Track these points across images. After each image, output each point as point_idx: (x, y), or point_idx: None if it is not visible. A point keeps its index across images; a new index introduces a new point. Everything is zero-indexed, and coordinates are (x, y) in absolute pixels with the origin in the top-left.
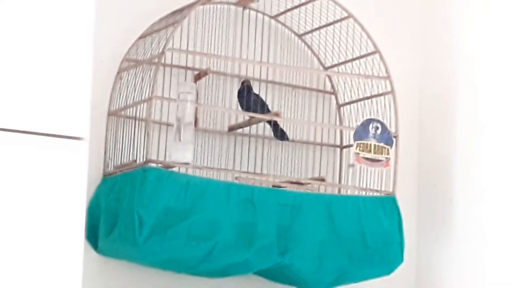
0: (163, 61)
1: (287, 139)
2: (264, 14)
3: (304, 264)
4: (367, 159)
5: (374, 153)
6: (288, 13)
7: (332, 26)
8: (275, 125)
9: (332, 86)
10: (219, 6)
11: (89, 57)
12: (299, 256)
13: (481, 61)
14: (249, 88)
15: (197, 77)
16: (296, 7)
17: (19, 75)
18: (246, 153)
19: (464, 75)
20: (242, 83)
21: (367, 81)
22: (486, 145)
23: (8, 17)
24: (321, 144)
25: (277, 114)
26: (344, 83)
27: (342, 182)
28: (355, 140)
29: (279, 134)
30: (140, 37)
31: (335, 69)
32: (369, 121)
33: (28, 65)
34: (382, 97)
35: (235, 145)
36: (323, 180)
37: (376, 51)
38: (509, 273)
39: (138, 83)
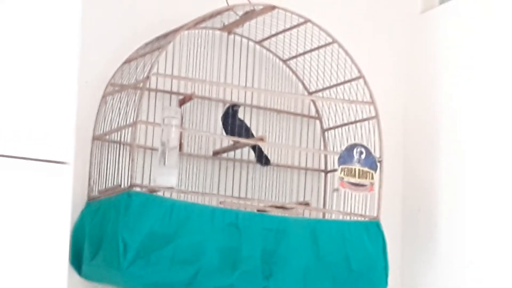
0: (148, 85)
1: (269, 164)
2: (249, 39)
3: None
4: (351, 183)
5: (359, 177)
6: (273, 38)
7: (316, 52)
8: (259, 150)
9: (317, 111)
10: (204, 31)
11: (74, 81)
12: (283, 280)
13: (464, 86)
14: (235, 113)
15: (182, 102)
16: (280, 32)
17: (3, 98)
18: (231, 177)
19: (447, 100)
20: (231, 107)
21: (351, 106)
22: (469, 170)
23: None
24: (306, 169)
25: (261, 139)
26: (329, 108)
27: (327, 206)
28: (339, 164)
29: (264, 160)
30: (125, 62)
31: (320, 94)
32: (354, 146)
33: (12, 89)
34: (366, 122)
35: (219, 170)
36: (307, 204)
37: (361, 76)
38: None
39: (123, 107)
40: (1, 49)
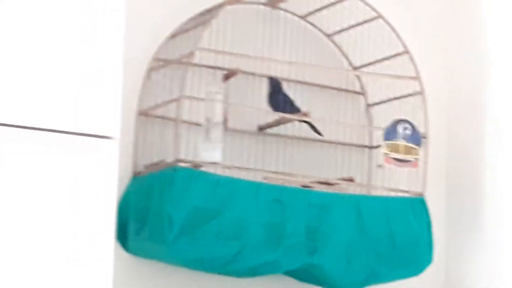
0: (192, 60)
1: (321, 134)
2: (293, 14)
3: (332, 264)
4: (396, 159)
5: (403, 153)
6: (317, 13)
7: (361, 26)
8: (311, 124)
9: (361, 87)
10: (248, 6)
11: (119, 57)
12: (327, 256)
13: None
14: (279, 87)
15: (226, 77)
16: (325, 7)
17: (51, 75)
18: (275, 153)
19: (494, 75)
20: (272, 81)
21: (396, 82)
22: None
23: (39, 17)
24: (350, 145)
25: (306, 114)
26: (373, 84)
27: (371, 182)
28: (384, 140)
29: (317, 130)
30: (170, 37)
31: (364, 69)
32: (398, 121)
33: (59, 65)
34: (411, 98)
35: (264, 145)
36: (352, 180)
37: (406, 51)
38: None
39: (168, 82)
40: (48, 27)
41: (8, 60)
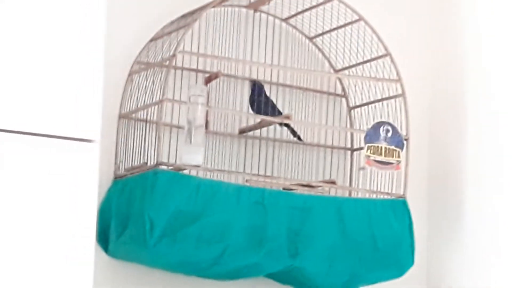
0: (174, 63)
1: (301, 139)
2: (275, 17)
3: (314, 267)
4: (377, 161)
5: (385, 155)
6: (299, 16)
7: (343, 29)
8: (291, 128)
9: (343, 89)
10: (230, 9)
11: (100, 60)
12: (309, 258)
13: (492, 62)
14: (261, 90)
15: (208, 80)
16: (307, 9)
17: (30, 77)
18: (257, 155)
19: (474, 77)
20: (253, 84)
21: (377, 84)
22: (496, 147)
23: (19, 19)
24: (332, 147)
25: (287, 117)
26: (355, 86)
27: (353, 184)
28: (365, 142)
29: (297, 136)
30: (151, 40)
31: (346, 71)
32: (380, 123)
33: (39, 68)
34: (392, 100)
35: (245, 148)
36: (333, 182)
37: (387, 53)
38: None
39: (149, 85)
40: (28, 30)
41: None
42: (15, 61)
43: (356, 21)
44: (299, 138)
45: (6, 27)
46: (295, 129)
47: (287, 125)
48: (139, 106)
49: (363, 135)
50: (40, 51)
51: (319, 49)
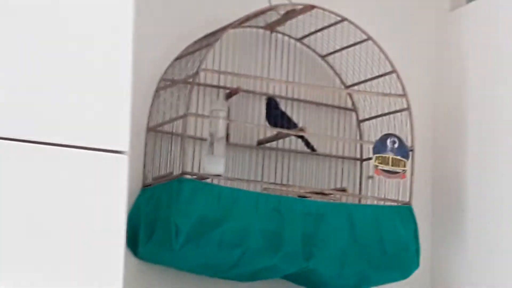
0: (197, 80)
1: (315, 150)
2: (290, 37)
3: (327, 269)
4: (385, 171)
5: (392, 165)
6: (312, 36)
7: (352, 48)
8: (306, 139)
9: (353, 104)
10: (248, 29)
11: (130, 77)
12: (322, 261)
13: (491, 81)
14: (276, 104)
15: (229, 95)
16: (319, 30)
17: (65, 91)
18: (274, 165)
19: (475, 94)
20: (269, 99)
21: (385, 99)
22: (496, 159)
23: (52, 33)
24: (343, 157)
25: (302, 129)
26: (364, 101)
27: (362, 192)
28: (374, 153)
29: (311, 147)
30: (176, 58)
31: (356, 87)
32: (387, 136)
33: (74, 82)
34: (399, 114)
35: (263, 158)
36: (344, 190)
37: (393, 70)
38: None
39: (175, 101)
40: (62, 44)
41: (21, 75)
42: (50, 76)
43: (364, 40)
44: (312, 149)
45: (42, 42)
46: (309, 140)
47: (301, 137)
48: (165, 120)
49: (371, 146)
50: (74, 67)
51: (331, 67)
